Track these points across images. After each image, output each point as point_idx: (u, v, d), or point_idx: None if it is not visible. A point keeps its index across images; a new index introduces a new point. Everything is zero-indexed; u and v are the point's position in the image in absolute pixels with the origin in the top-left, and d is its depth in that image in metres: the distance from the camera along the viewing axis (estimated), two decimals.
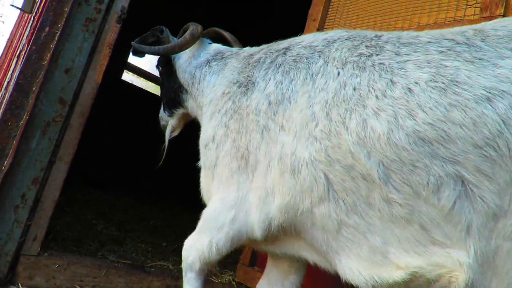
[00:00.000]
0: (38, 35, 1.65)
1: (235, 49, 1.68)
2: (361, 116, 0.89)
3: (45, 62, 1.66)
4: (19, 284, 1.66)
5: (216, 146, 1.29)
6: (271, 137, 1.10)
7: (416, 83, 0.86)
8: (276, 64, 1.21)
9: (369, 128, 0.87)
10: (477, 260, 0.79)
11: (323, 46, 1.14)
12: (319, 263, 1.10)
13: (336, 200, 0.95)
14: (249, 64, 1.34)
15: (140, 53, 1.73)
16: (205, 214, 1.32)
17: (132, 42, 1.69)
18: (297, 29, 2.46)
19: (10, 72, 2.02)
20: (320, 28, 2.42)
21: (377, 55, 0.97)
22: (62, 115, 1.72)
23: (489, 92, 0.78)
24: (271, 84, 1.17)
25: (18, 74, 1.65)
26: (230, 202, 1.20)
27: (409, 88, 0.86)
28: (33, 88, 1.64)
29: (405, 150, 0.82)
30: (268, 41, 1.47)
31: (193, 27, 1.66)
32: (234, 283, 2.36)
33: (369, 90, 0.92)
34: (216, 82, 1.46)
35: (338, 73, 1.01)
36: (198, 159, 2.90)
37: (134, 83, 6.13)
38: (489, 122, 0.76)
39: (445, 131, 0.79)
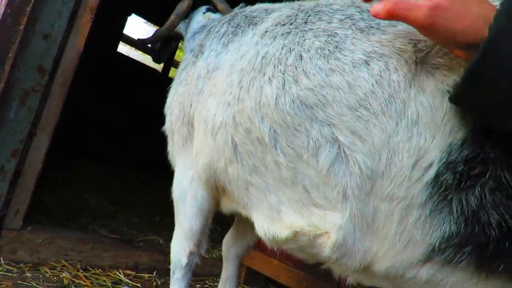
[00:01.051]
0: None
1: (213, 19, 1.71)
2: (259, 83, 0.93)
3: (21, 27, 1.55)
4: (1, 259, 1.63)
5: (171, 111, 1.34)
6: (203, 101, 1.15)
7: (308, 50, 0.88)
8: (219, 34, 1.26)
9: (263, 95, 0.91)
10: (352, 222, 0.81)
11: (260, 17, 1.17)
12: (249, 218, 1.15)
13: (241, 161, 1.00)
14: (207, 33, 1.37)
15: (145, 45, 1.77)
16: (173, 189, 1.37)
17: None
18: None
19: None
20: None
21: (290, 24, 0.98)
22: (42, 84, 1.63)
23: (368, 56, 0.79)
24: (212, 54, 1.22)
25: None
26: (187, 167, 1.27)
27: (300, 56, 0.88)
28: (9, 55, 1.55)
29: (289, 115, 0.86)
30: None
31: (178, 5, 1.68)
32: None
33: (270, 59, 0.94)
34: (188, 48, 1.59)
35: (257, 43, 1.03)
36: None
37: (130, 55, 5.97)
38: (363, 84, 0.78)
39: (323, 96, 0.82)
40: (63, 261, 1.77)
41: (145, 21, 6.13)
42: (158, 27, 1.85)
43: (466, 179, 0.70)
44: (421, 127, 0.74)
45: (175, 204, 1.35)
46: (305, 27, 0.94)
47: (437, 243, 0.75)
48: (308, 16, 0.96)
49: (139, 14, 5.81)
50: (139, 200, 3.55)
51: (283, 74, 0.89)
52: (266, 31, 1.04)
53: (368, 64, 0.79)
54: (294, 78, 0.87)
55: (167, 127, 1.39)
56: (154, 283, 1.94)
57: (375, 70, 0.78)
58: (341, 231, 0.83)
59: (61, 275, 1.67)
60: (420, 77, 0.75)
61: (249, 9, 1.30)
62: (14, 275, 1.56)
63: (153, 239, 2.39)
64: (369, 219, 0.82)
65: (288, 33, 0.96)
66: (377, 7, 0.66)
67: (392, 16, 0.64)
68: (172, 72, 6.48)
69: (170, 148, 1.42)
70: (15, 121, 1.59)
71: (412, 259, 0.79)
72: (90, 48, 1.92)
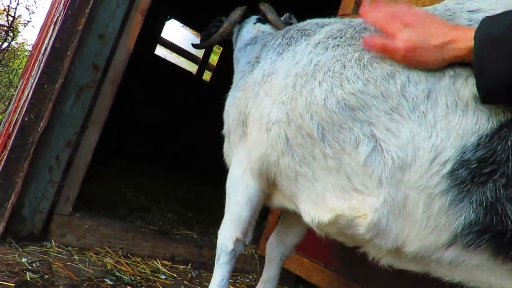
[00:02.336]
0: (74, 0, 1.67)
1: (267, 31, 1.82)
2: (311, 86, 1.08)
3: (80, 27, 1.68)
4: (52, 241, 1.75)
5: (228, 115, 1.50)
6: (259, 101, 1.30)
7: (350, 61, 1.04)
8: (275, 46, 1.43)
9: (313, 96, 1.06)
10: (386, 206, 0.93)
11: (312, 29, 1.33)
12: (296, 210, 1.29)
13: (292, 153, 1.13)
14: (261, 47, 1.56)
15: (199, 48, 1.91)
16: (227, 183, 1.47)
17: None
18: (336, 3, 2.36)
19: (47, 39, 2.08)
20: (358, 2, 2.31)
21: (340, 37, 1.13)
22: (95, 80, 1.75)
23: (393, 71, 0.94)
24: (268, 61, 1.39)
25: (55, 39, 1.68)
26: (241, 162, 1.39)
27: (344, 65, 1.04)
28: (68, 53, 1.68)
29: (335, 114, 1.00)
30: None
31: (232, 14, 1.81)
32: (256, 255, 2.38)
33: (322, 66, 1.09)
34: (243, 59, 1.67)
35: (310, 52, 1.18)
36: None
37: (167, 58, 6.18)
38: (393, 95, 0.94)
39: (363, 100, 0.96)
40: (107, 248, 1.87)
41: (182, 25, 6.33)
42: (194, 31, 1.99)
43: (480, 175, 0.82)
44: (438, 130, 0.88)
45: (227, 194, 1.44)
46: (350, 41, 1.09)
47: (459, 229, 0.86)
48: (355, 32, 1.12)
49: (177, 18, 6.01)
50: (171, 197, 3.66)
51: (331, 79, 1.04)
52: (319, 42, 1.19)
53: (394, 78, 0.94)
54: (340, 83, 1.02)
55: (225, 129, 1.54)
56: (189, 274, 2.01)
57: (398, 83, 0.93)
58: (376, 213, 0.95)
59: (104, 260, 1.77)
60: (435, 89, 0.89)
61: (301, 24, 1.46)
62: (64, 257, 1.67)
63: (187, 233, 2.47)
64: (401, 204, 0.93)
65: (338, 45, 1.11)
66: (370, 41, 0.93)
67: (381, 52, 0.90)
68: (205, 75, 6.63)
69: (226, 148, 1.57)
70: (70, 114, 1.71)
71: (438, 242, 0.90)
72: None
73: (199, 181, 5.09)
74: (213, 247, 2.26)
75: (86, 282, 1.51)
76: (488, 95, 0.79)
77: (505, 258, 0.82)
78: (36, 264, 1.50)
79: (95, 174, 3.22)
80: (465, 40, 0.78)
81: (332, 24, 1.28)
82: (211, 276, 2.10)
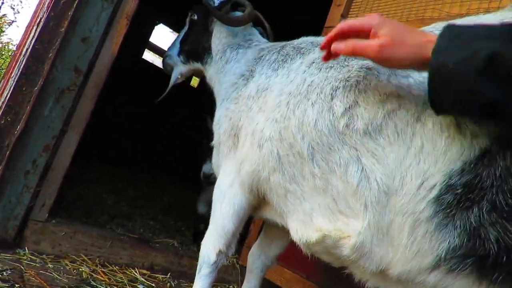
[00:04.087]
0: (57, 2, 1.64)
1: (257, 40, 1.77)
2: (304, 106, 1.10)
3: (62, 29, 1.65)
4: (26, 248, 1.69)
5: (219, 127, 1.49)
6: (252, 116, 1.31)
7: (337, 85, 1.06)
8: (270, 61, 1.44)
9: (306, 116, 1.08)
10: (370, 230, 0.94)
11: (307, 48, 1.35)
12: (284, 225, 1.29)
13: (283, 171, 1.14)
14: (255, 59, 1.54)
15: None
16: (214, 194, 1.45)
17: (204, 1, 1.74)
18: (322, 15, 2.38)
19: (29, 40, 2.03)
20: (345, 14, 2.33)
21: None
22: (77, 84, 1.71)
23: (387, 97, 0.95)
24: (263, 77, 1.39)
25: (35, 40, 1.65)
26: (229, 173, 1.38)
27: (334, 88, 1.06)
28: (49, 55, 1.64)
29: (325, 136, 1.02)
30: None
31: (250, 10, 1.75)
32: (238, 265, 2.35)
33: (315, 87, 1.11)
34: (235, 71, 1.62)
35: (304, 71, 1.20)
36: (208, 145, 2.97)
37: (154, 63, 6.14)
38: (379, 119, 0.95)
39: (349, 125, 0.98)
40: (83, 256, 1.82)
41: (171, 30, 6.31)
42: None
43: (465, 200, 0.82)
44: (425, 155, 0.88)
45: (213, 204, 1.43)
46: (343, 63, 1.10)
47: (443, 254, 0.86)
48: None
49: (166, 23, 5.99)
50: (154, 204, 3.61)
51: (322, 101, 1.06)
52: (313, 62, 1.20)
53: (386, 103, 0.95)
54: (329, 106, 1.04)
55: (215, 140, 1.53)
56: (168, 284, 1.97)
57: (389, 108, 0.95)
58: (360, 236, 0.96)
59: (80, 269, 1.72)
60: (424, 114, 0.89)
61: (296, 41, 1.47)
62: (37, 265, 1.61)
63: (168, 242, 2.43)
64: (385, 229, 0.94)
65: (331, 67, 1.13)
66: (338, 45, 0.89)
67: (352, 53, 0.86)
68: (193, 81, 6.61)
69: (214, 159, 1.55)
70: (49, 117, 1.67)
71: (421, 266, 0.90)
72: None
73: (183, 185, 5.03)
74: (194, 256, 2.23)
75: None
76: (439, 112, 0.81)
77: (489, 282, 0.82)
78: (6, 273, 1.45)
79: (76, 178, 3.15)
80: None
81: None
82: (191, 286, 2.06)
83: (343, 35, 0.90)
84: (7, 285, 1.36)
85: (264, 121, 1.23)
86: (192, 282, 2.13)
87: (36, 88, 1.62)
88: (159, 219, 3.12)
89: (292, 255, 2.12)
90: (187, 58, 1.91)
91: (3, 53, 11.72)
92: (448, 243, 0.85)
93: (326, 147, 1.02)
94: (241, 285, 1.90)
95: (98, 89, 1.80)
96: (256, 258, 1.66)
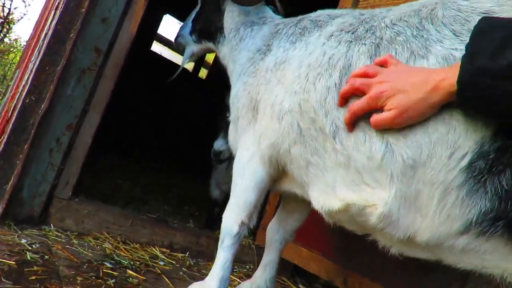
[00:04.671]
0: None
1: (271, 17, 1.77)
2: (326, 83, 1.10)
3: (83, 10, 1.68)
4: (51, 225, 1.74)
5: (237, 100, 1.50)
6: (271, 89, 1.31)
7: (360, 57, 1.06)
8: (288, 34, 1.44)
9: (330, 95, 1.08)
10: (396, 200, 0.95)
11: (324, 21, 1.34)
12: (305, 197, 1.31)
13: (304, 144, 1.15)
14: (272, 34, 1.55)
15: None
16: (234, 168, 1.48)
17: None
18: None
19: (48, 23, 2.07)
20: (355, 3, 2.33)
21: (352, 33, 1.16)
22: (97, 64, 1.75)
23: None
24: (281, 50, 1.40)
25: (57, 22, 1.68)
26: (248, 147, 1.40)
27: (356, 64, 1.06)
28: (71, 35, 1.67)
29: None
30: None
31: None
32: (253, 246, 2.39)
33: (337, 62, 1.10)
34: (250, 47, 1.62)
35: (323, 43, 1.20)
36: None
37: (163, 54, 6.16)
38: None
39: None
40: (105, 233, 1.86)
41: (179, 21, 6.32)
42: None
43: (497, 164, 0.83)
44: (455, 124, 0.88)
45: (233, 178, 1.45)
46: (362, 40, 1.11)
47: (474, 218, 0.87)
48: (365, 31, 1.14)
49: (174, 14, 6.01)
50: (167, 191, 3.66)
51: (345, 78, 1.06)
52: (332, 35, 1.21)
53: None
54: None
55: (233, 115, 1.54)
56: (187, 262, 2.01)
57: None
58: (387, 205, 0.97)
59: (103, 245, 1.76)
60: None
61: (313, 14, 1.47)
62: (63, 240, 1.66)
63: (185, 222, 2.47)
64: (412, 198, 0.95)
65: (350, 42, 1.13)
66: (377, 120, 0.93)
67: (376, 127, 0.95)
68: (201, 73, 6.63)
69: (232, 135, 1.57)
70: (71, 97, 1.71)
71: (451, 231, 0.92)
72: None
73: (194, 177, 5.08)
74: (211, 236, 2.27)
75: (86, 264, 1.50)
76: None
77: None
78: (35, 246, 1.49)
79: (91, 165, 3.20)
80: (449, 86, 0.81)
81: (344, 16, 1.30)
82: (209, 264, 2.10)
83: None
84: (37, 255, 1.40)
85: (283, 93, 1.24)
86: (210, 260, 2.18)
87: (58, 68, 1.66)
88: (173, 204, 3.17)
89: (308, 235, 2.15)
90: (199, 38, 1.93)
91: (12, 49, 11.84)
92: (479, 207, 0.86)
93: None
94: (257, 265, 1.93)
95: (117, 69, 1.83)
96: (275, 232, 1.69)
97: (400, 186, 0.94)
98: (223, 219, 1.45)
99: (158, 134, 5.69)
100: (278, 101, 1.25)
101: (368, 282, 1.89)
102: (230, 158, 2.46)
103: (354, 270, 1.97)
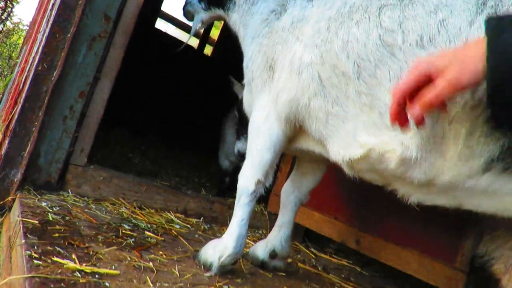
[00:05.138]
0: None
1: None
2: (348, 26, 1.12)
3: None
4: (69, 191, 1.78)
5: (252, 62, 1.52)
6: (288, 47, 1.33)
7: (383, 3, 1.07)
8: None
9: (351, 35, 1.10)
10: (419, 141, 0.95)
11: None
12: (323, 153, 1.34)
13: (325, 94, 1.17)
14: None
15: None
16: (249, 128, 1.51)
17: None
18: None
19: None
20: None
21: None
22: (107, 31, 1.74)
23: (436, 6, 0.97)
24: (297, 8, 1.41)
25: None
26: (263, 106, 1.42)
27: (382, 5, 1.07)
28: (79, 2, 1.66)
29: (373, 52, 1.04)
30: None
31: None
32: (266, 212, 2.43)
33: (358, 8, 1.13)
34: (263, 10, 1.63)
35: None
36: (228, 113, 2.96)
37: (168, 32, 6.10)
38: (432, 28, 0.96)
39: (398, 38, 1.00)
40: (121, 199, 1.91)
41: None
42: None
43: None
44: None
45: (249, 138, 1.48)
46: None
47: (496, 154, 0.87)
48: None
49: None
50: (176, 163, 3.70)
51: (368, 19, 1.08)
52: None
53: (436, 13, 0.95)
54: (377, 23, 1.05)
55: (247, 78, 1.55)
56: (202, 227, 2.06)
57: (440, 16, 0.95)
58: (408, 148, 0.98)
59: (120, 210, 1.81)
60: (478, 17, 0.89)
61: None
62: (81, 205, 1.70)
63: (198, 190, 2.51)
64: (436, 138, 0.94)
65: None
66: (414, 111, 0.79)
67: (431, 107, 0.78)
68: (207, 49, 6.57)
69: (246, 98, 1.60)
70: (83, 64, 1.71)
71: (473, 170, 0.91)
72: None
73: (202, 151, 5.11)
74: (224, 203, 2.31)
75: (105, 226, 1.55)
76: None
77: None
78: (56, 209, 1.53)
79: (102, 138, 3.23)
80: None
81: None
82: (223, 229, 2.15)
83: (405, 98, 0.82)
84: (58, 217, 1.44)
85: (302, 49, 1.27)
86: (223, 226, 2.23)
87: (69, 35, 1.66)
88: (184, 175, 3.22)
89: (321, 199, 2.18)
90: (208, 5, 1.92)
91: (13, 33, 11.80)
92: (503, 142, 0.85)
93: (373, 63, 1.03)
94: (269, 231, 1.97)
95: (127, 37, 1.82)
96: (290, 193, 1.72)
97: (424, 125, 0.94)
98: (239, 178, 1.48)
99: (163, 111, 5.70)
100: (297, 56, 1.27)
101: (381, 242, 1.93)
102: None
103: (366, 231, 2.01)
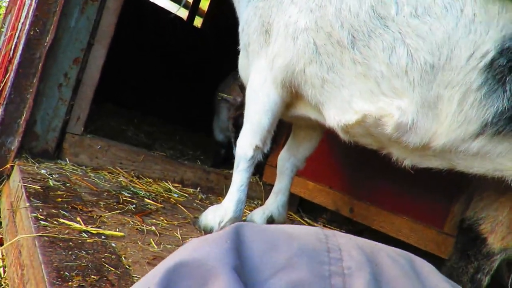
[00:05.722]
0: None
1: None
2: None
3: None
4: (67, 159, 1.77)
5: (248, 26, 1.49)
6: (284, 10, 1.31)
7: None
8: None
9: (344, 3, 1.08)
10: (415, 105, 0.98)
11: None
12: (318, 119, 1.36)
13: (321, 61, 1.16)
14: None
15: None
16: (246, 94, 1.50)
17: None
18: None
19: None
20: None
21: None
22: None
23: None
24: None
25: None
26: (261, 71, 1.41)
27: None
28: None
29: (366, 22, 1.03)
30: None
31: None
32: (261, 183, 2.46)
33: None
34: None
35: None
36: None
37: (156, 2, 5.91)
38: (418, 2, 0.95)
39: (391, 8, 0.98)
40: (119, 169, 1.91)
41: None
42: None
43: None
44: (477, 24, 0.88)
45: (246, 104, 1.48)
46: None
47: (490, 118, 0.90)
48: None
49: None
50: (170, 137, 3.69)
51: None
52: None
53: None
54: None
55: (243, 42, 1.53)
56: (199, 196, 2.08)
57: None
58: (404, 113, 1.00)
59: (119, 179, 1.81)
60: None
61: None
62: (80, 173, 1.70)
63: (193, 161, 2.52)
64: (431, 103, 0.97)
65: None
66: None
67: None
68: (196, 21, 6.43)
69: (242, 63, 1.57)
70: (76, 29, 1.67)
71: (466, 134, 0.95)
72: None
73: (195, 125, 5.09)
74: (220, 173, 2.33)
75: (106, 193, 1.55)
76: None
77: None
78: (55, 176, 1.53)
79: (94, 112, 3.18)
80: None
81: None
82: (220, 199, 2.18)
83: None
84: (59, 183, 1.44)
85: (297, 13, 1.24)
86: (220, 196, 2.25)
87: None
88: (178, 148, 3.21)
89: (315, 169, 2.22)
90: None
91: None
92: (496, 107, 0.89)
93: (367, 34, 1.03)
94: (264, 201, 2.01)
95: (120, 2, 1.77)
96: (286, 160, 1.74)
97: (419, 92, 0.97)
98: (237, 144, 1.48)
99: (154, 84, 5.61)
100: (292, 21, 1.25)
101: (374, 209, 1.98)
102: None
103: (360, 199, 2.06)
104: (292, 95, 1.39)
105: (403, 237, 1.96)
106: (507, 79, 0.87)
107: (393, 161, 1.19)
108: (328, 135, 1.82)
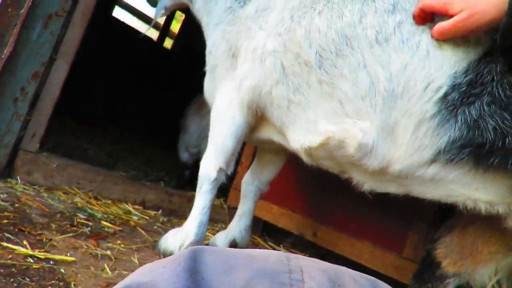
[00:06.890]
0: None
1: None
2: (310, 16, 1.14)
3: None
4: (18, 178, 1.66)
5: (216, 49, 1.50)
6: (251, 35, 1.34)
7: None
8: None
9: (313, 24, 1.12)
10: (376, 129, 1.01)
11: None
12: (282, 142, 1.37)
13: (287, 82, 1.18)
14: None
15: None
16: (211, 115, 1.50)
17: None
18: None
19: None
20: None
21: None
22: (65, 9, 1.65)
23: (394, 6, 1.02)
24: None
25: None
26: (226, 94, 1.42)
27: None
28: None
29: (334, 42, 1.07)
30: None
31: None
32: (225, 206, 2.43)
33: None
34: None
35: None
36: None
37: (125, 22, 5.88)
38: (389, 27, 1.01)
39: (357, 32, 1.04)
40: (76, 189, 1.82)
41: None
42: None
43: (469, 96, 0.91)
44: (430, 60, 0.95)
45: (211, 125, 1.47)
46: None
47: (443, 146, 0.95)
48: None
49: None
50: (134, 157, 3.58)
51: (331, 10, 1.11)
52: None
53: (394, 13, 1.01)
54: (339, 14, 1.08)
55: (210, 64, 1.54)
56: (161, 219, 2.01)
57: (397, 18, 1.00)
58: (366, 135, 1.03)
59: (74, 200, 1.72)
60: (430, 25, 0.96)
61: None
62: (32, 193, 1.60)
63: (157, 182, 2.45)
64: (390, 128, 1.02)
65: None
66: (440, 28, 0.93)
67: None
68: (166, 42, 6.43)
69: (208, 85, 1.57)
70: (37, 43, 1.61)
71: (422, 160, 1.00)
72: None
73: (160, 144, 5.00)
74: (183, 195, 2.28)
75: (59, 214, 1.47)
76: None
77: (485, 167, 0.93)
78: (3, 195, 1.43)
79: (54, 129, 3.04)
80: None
81: None
82: (182, 222, 2.11)
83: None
84: (7, 203, 1.35)
85: (265, 37, 1.28)
86: (182, 219, 2.19)
87: (22, 11, 1.55)
88: (142, 169, 3.12)
89: (279, 193, 2.22)
90: None
91: None
92: (449, 136, 0.94)
93: (334, 53, 1.07)
94: (228, 224, 1.98)
95: (86, 18, 1.74)
96: (250, 184, 1.74)
97: (380, 116, 1.01)
98: (201, 166, 1.46)
99: (121, 103, 5.49)
100: (260, 44, 1.28)
101: (337, 233, 2.00)
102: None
103: (323, 224, 2.08)
104: (257, 118, 1.40)
105: (364, 262, 1.98)
106: (459, 111, 0.93)
107: (354, 185, 1.22)
108: (292, 159, 1.84)
